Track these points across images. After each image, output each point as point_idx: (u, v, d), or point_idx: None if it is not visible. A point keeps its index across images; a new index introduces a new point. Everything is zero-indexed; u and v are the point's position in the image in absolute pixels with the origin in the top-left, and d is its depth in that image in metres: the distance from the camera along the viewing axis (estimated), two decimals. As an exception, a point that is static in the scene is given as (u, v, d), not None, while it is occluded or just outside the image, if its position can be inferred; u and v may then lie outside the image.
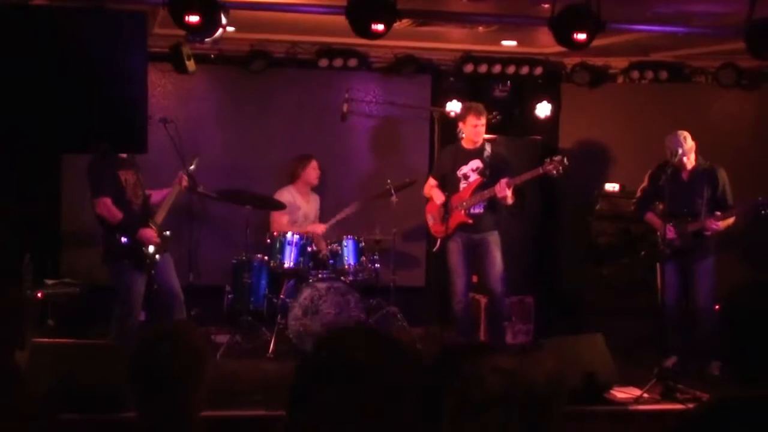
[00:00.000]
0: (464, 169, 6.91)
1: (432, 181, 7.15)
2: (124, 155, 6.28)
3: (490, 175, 6.82)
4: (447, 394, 1.76)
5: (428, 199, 7.17)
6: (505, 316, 7.23)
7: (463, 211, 6.83)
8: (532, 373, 1.72)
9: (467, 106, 7.06)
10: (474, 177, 6.90)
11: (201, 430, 2.65)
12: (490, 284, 6.94)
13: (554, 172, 6.66)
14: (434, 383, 2.09)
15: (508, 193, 6.65)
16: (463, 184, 6.91)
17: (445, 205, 6.65)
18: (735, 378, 2.11)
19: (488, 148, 6.94)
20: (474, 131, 6.86)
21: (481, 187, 6.85)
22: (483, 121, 6.87)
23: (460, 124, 6.94)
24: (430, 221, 7.17)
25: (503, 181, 6.66)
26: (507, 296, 7.16)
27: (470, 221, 6.83)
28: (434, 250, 7.17)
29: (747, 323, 2.13)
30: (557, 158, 6.67)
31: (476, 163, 6.90)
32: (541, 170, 6.70)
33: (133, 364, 2.59)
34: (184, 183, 6.51)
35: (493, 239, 6.91)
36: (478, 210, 6.87)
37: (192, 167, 6.60)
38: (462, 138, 6.95)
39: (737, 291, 2.20)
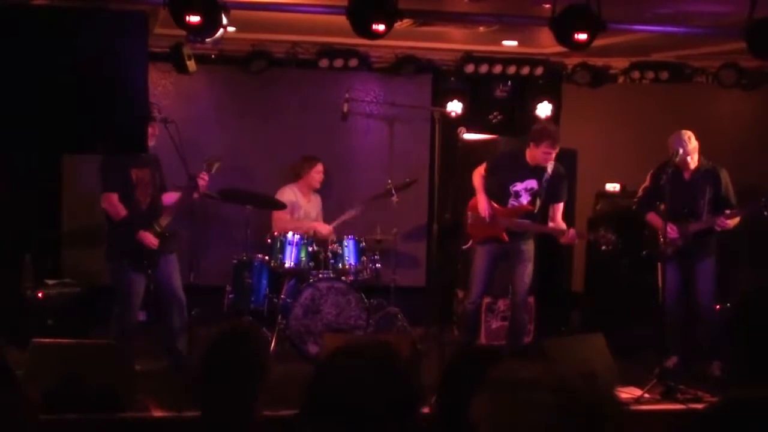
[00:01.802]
0: (518, 186, 6.64)
1: (482, 171, 6.79)
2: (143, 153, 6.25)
3: (541, 203, 6.68)
4: (482, 397, 1.72)
5: (472, 192, 6.87)
6: (526, 325, 7.18)
7: (502, 229, 6.64)
8: (588, 385, 1.70)
9: (547, 131, 6.58)
10: (525, 198, 6.65)
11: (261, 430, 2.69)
12: (517, 295, 6.81)
13: (602, 245, 6.66)
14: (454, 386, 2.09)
15: (576, 241, 6.73)
16: (512, 201, 6.68)
17: (492, 217, 6.61)
18: (743, 379, 2.10)
19: (550, 168, 6.63)
20: (544, 158, 6.53)
21: (526, 214, 6.66)
22: (557, 149, 6.54)
23: (531, 144, 6.55)
24: (470, 219, 6.91)
25: (573, 232, 6.61)
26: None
27: (507, 239, 6.65)
28: (464, 247, 7.06)
29: (757, 324, 2.12)
30: (611, 238, 6.58)
31: (532, 183, 6.64)
32: (592, 237, 6.79)
33: (208, 360, 2.64)
34: (204, 182, 6.41)
35: (527, 248, 6.73)
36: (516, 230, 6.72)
37: (213, 171, 6.54)
38: (526, 151, 6.61)
39: (747, 292, 2.19)
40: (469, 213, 6.94)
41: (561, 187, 6.73)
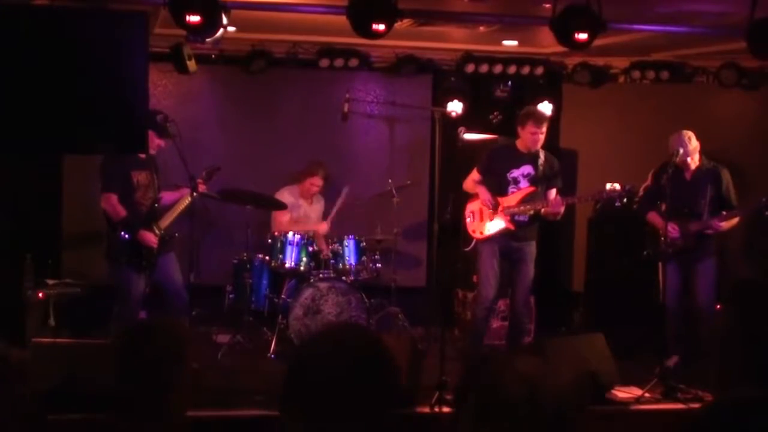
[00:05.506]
0: (515, 173, 6.69)
1: (476, 176, 6.85)
2: (143, 155, 6.27)
3: (542, 185, 6.70)
4: (467, 398, 1.74)
5: (468, 195, 6.92)
6: (528, 327, 7.18)
7: (507, 217, 6.66)
8: (552, 378, 1.71)
9: (530, 111, 6.73)
10: (524, 183, 6.68)
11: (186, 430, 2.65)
12: (517, 296, 6.80)
13: (617, 202, 6.54)
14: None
15: (562, 210, 6.56)
16: (512, 188, 6.71)
17: (495, 206, 6.62)
18: (741, 379, 2.10)
19: (542, 155, 6.71)
20: (532, 139, 6.60)
21: (531, 196, 6.68)
22: (543, 129, 6.60)
23: (519, 129, 6.67)
24: (468, 219, 6.92)
25: (558, 198, 6.56)
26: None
27: (513, 228, 6.65)
28: (467, 249, 7.03)
29: (754, 325, 2.12)
30: (627, 189, 6.54)
31: (528, 169, 6.68)
32: (604, 195, 6.60)
33: (118, 359, 2.60)
34: (202, 189, 6.47)
35: (531, 250, 6.72)
36: (523, 218, 6.68)
37: (210, 180, 6.61)
38: (517, 140, 6.72)
39: (745, 293, 2.19)
40: (467, 212, 6.95)
41: (556, 172, 6.79)
